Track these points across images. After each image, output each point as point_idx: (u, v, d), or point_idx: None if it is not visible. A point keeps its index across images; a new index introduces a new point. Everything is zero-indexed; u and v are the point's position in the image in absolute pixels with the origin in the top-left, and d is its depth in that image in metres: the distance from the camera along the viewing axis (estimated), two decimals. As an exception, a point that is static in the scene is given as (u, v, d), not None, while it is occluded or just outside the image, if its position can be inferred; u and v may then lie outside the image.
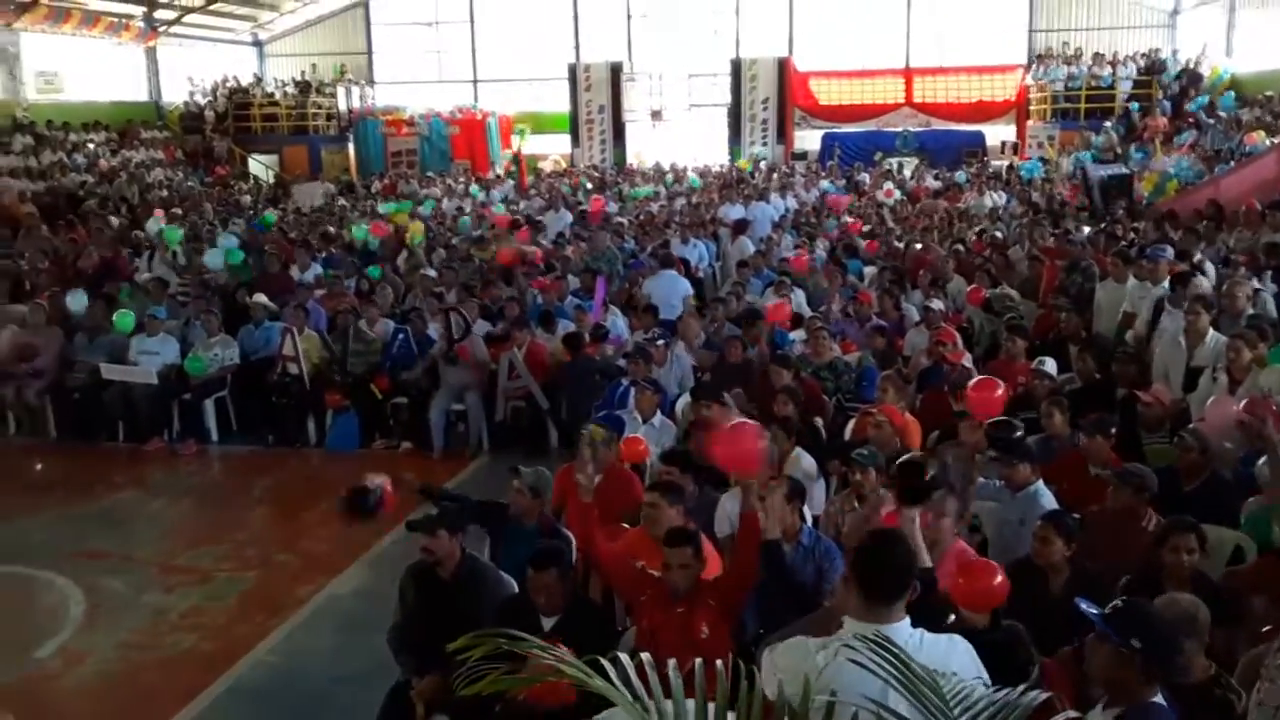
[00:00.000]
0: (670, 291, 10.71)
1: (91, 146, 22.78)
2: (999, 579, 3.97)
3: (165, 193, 20.05)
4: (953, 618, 3.71)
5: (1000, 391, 5.97)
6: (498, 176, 25.63)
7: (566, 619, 4.24)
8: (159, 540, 7.72)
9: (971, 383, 6.19)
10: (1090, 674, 3.11)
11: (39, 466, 9.47)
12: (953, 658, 2.78)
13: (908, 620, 2.85)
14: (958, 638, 2.93)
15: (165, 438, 9.71)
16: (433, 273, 11.79)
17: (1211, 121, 20.58)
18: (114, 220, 14.16)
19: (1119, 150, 20.58)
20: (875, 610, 2.81)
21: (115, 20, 25.80)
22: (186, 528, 8.05)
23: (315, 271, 12.28)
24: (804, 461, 6.06)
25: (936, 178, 21.97)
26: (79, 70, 25.70)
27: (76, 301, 10.57)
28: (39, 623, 6.36)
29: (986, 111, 28.03)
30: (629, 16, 30.47)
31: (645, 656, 2.10)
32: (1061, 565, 4.40)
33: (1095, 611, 2.99)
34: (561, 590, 4.28)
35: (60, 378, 9.96)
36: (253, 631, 6.18)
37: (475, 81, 31.63)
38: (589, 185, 22.40)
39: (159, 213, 16.48)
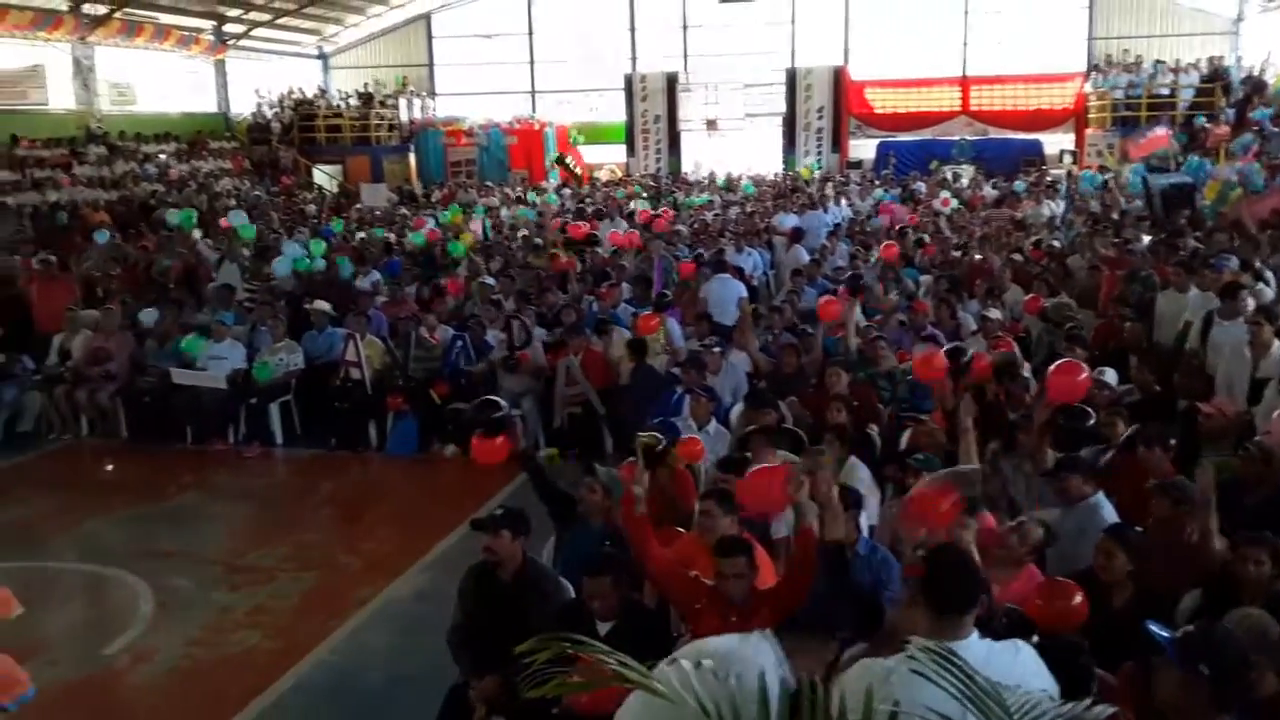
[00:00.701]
0: (726, 296, 10.78)
1: (163, 157, 23.33)
2: (1079, 598, 3.96)
3: (233, 202, 20.47)
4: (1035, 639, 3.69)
5: (1084, 376, 5.86)
6: (561, 185, 25.90)
7: (622, 624, 4.30)
8: (225, 540, 7.93)
9: (1054, 365, 6.08)
10: (1159, 700, 3.05)
11: (110, 467, 9.77)
12: (1018, 666, 2.76)
13: (976, 633, 2.86)
14: (1023, 645, 2.92)
15: (231, 440, 9.96)
16: (491, 280, 11.95)
17: (1277, 130, 20.13)
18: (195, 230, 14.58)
19: (1180, 159, 20.21)
20: (946, 625, 2.82)
21: (186, 34, 26.47)
22: (252, 528, 8.25)
23: (373, 278, 12.51)
24: (859, 471, 6.04)
25: (994, 187, 21.75)
26: (151, 82, 26.41)
27: (149, 315, 10.88)
28: (109, 620, 6.54)
29: (1045, 120, 27.67)
30: (685, 27, 30.58)
31: (708, 664, 2.13)
32: (1124, 580, 4.35)
33: (1165, 635, 2.94)
34: (616, 596, 4.34)
35: (132, 381, 10.26)
36: (315, 631, 6.31)
37: (533, 92, 31.94)
38: (644, 194, 22.52)
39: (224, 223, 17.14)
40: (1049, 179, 22.15)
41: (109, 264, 13.48)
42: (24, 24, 21.55)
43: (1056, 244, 13.26)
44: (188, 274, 12.97)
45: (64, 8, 22.49)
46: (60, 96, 23.35)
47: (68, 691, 5.59)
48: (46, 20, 22.08)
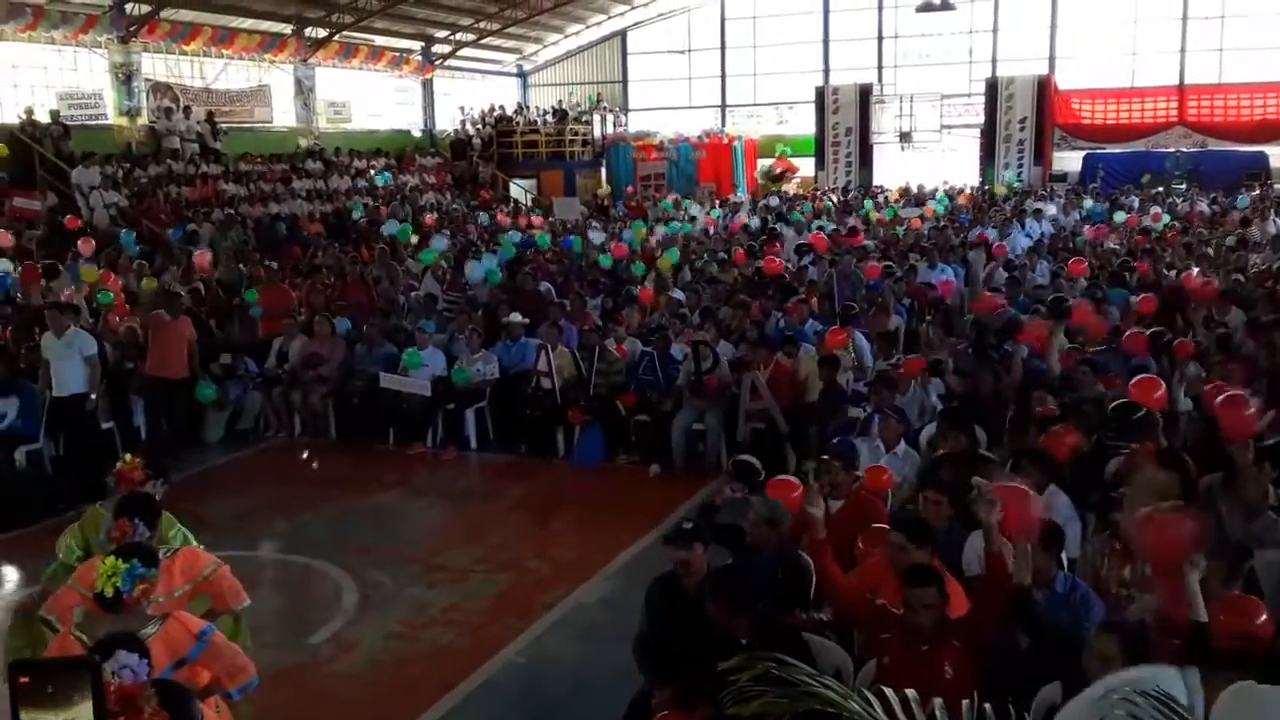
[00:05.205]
0: None
1: (372, 173, 24.64)
2: (1262, 618, 3.71)
3: (435, 214, 21.39)
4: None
5: (1252, 410, 5.45)
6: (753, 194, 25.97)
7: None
8: (422, 538, 8.25)
9: (1219, 399, 5.68)
10: None
11: (315, 465, 10.35)
12: None
13: None
14: None
15: (429, 443, 10.40)
16: (679, 294, 12.03)
17: None
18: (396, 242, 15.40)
19: None
20: None
21: (397, 55, 28.01)
22: (447, 528, 8.57)
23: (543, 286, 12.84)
24: (1059, 501, 5.76)
25: (1213, 202, 20.38)
26: (364, 101, 28.02)
27: (343, 324, 11.50)
28: (316, 610, 6.90)
29: (1271, 130, 25.73)
30: (880, 38, 30.06)
31: (911, 693, 2.09)
32: None
33: None
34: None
35: (342, 384, 10.86)
36: (503, 632, 6.47)
37: (723, 107, 32.07)
38: (832, 207, 22.25)
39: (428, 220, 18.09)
40: (1275, 194, 20.58)
41: (326, 273, 14.29)
42: (252, 47, 23.39)
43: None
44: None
45: (288, 32, 24.19)
46: (283, 115, 25.13)
47: (277, 677, 5.83)
48: (272, 43, 23.91)
